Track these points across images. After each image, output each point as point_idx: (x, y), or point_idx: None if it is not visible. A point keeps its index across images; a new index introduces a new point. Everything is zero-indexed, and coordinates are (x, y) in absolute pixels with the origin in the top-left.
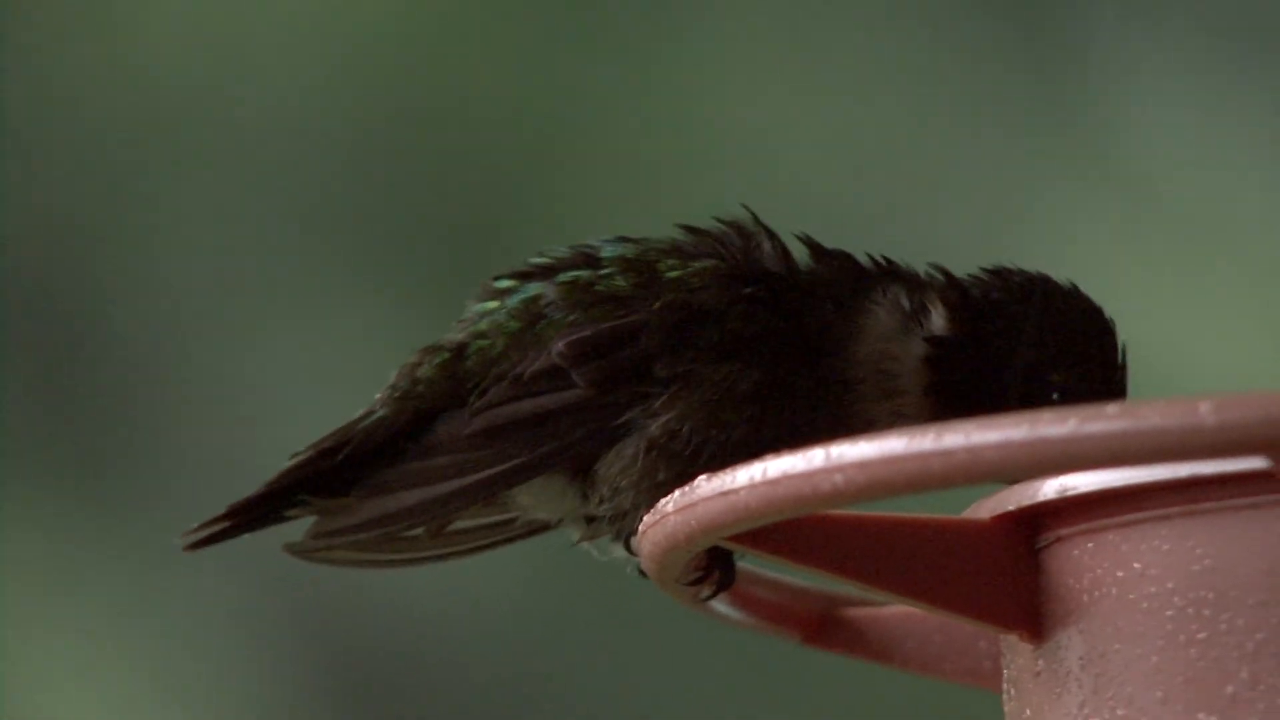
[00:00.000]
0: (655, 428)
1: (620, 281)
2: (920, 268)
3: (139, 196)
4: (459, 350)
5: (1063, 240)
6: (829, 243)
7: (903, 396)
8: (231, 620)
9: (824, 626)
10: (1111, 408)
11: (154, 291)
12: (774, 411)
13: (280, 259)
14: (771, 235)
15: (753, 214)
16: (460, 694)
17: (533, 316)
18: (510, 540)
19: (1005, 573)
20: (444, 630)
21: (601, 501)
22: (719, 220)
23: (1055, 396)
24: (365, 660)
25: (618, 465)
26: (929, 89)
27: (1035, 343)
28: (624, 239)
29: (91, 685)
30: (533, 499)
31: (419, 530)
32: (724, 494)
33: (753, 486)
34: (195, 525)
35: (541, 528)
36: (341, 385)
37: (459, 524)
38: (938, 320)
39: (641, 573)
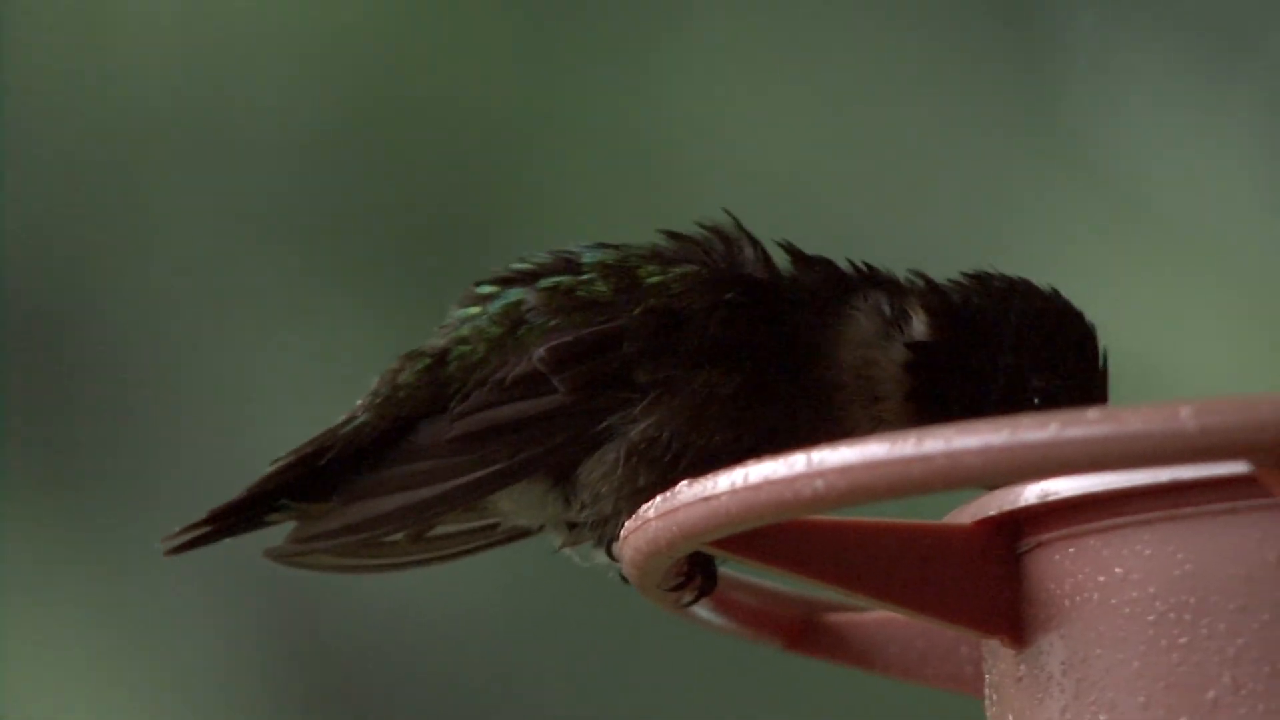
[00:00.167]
0: (636, 433)
1: (601, 287)
2: (902, 272)
3: (122, 205)
4: (440, 356)
5: (1047, 243)
6: (814, 246)
7: (884, 402)
8: (212, 625)
9: (806, 632)
10: (1092, 412)
11: (135, 297)
12: (755, 417)
13: (262, 267)
14: (753, 241)
15: (734, 219)
16: (441, 698)
17: (514, 322)
18: (491, 546)
19: (987, 578)
20: (425, 635)
21: (583, 507)
22: (700, 225)
23: (1036, 401)
24: (347, 665)
25: (599, 471)
26: (914, 93)
27: (1016, 347)
28: (604, 245)
29: (72, 689)
30: (514, 504)
31: (400, 535)
32: (705, 499)
33: (734, 492)
34: (177, 530)
35: (523, 533)
36: (323, 391)
37: (440, 529)
38: (918, 326)
39: (623, 578)
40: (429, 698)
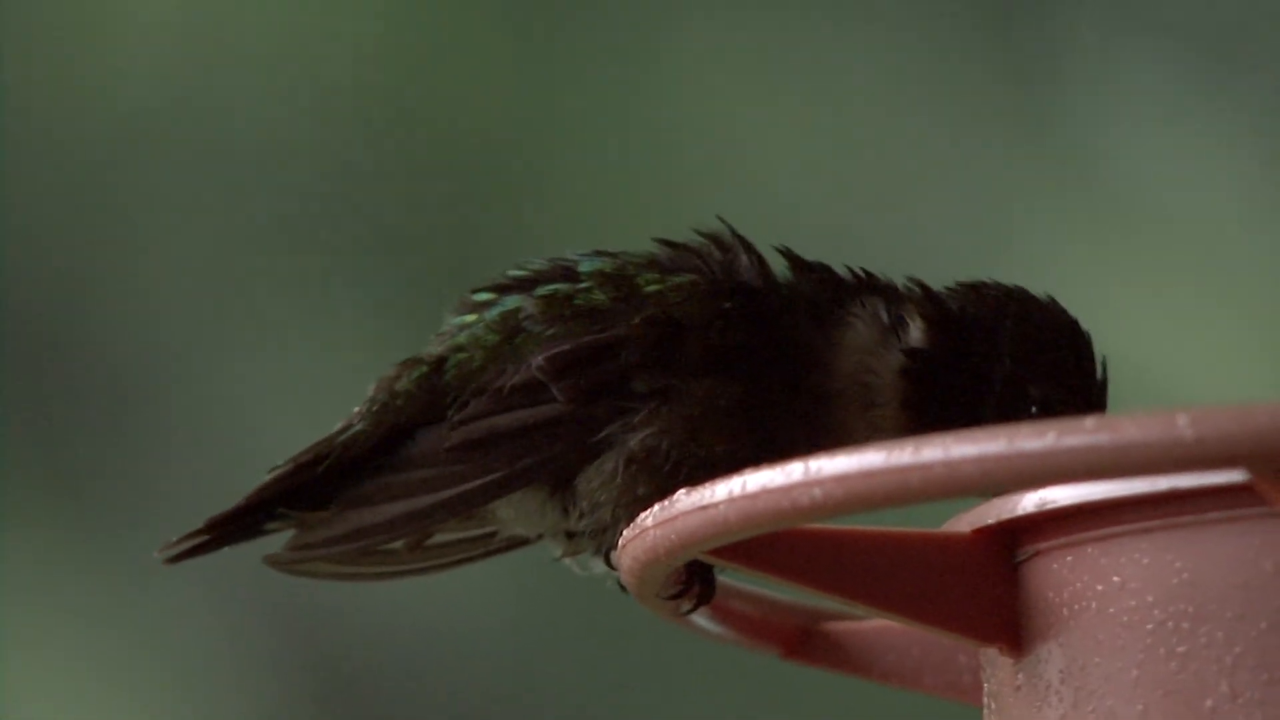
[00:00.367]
0: (635, 442)
1: (599, 295)
2: (900, 279)
3: (122, 210)
4: (438, 364)
5: (1046, 251)
6: (808, 253)
7: (881, 409)
8: (211, 633)
9: (804, 640)
10: (1089, 421)
11: (134, 302)
12: (753, 425)
13: (258, 274)
14: (749, 248)
15: (730, 227)
16: (443, 705)
17: (511, 330)
18: (489, 554)
19: (985, 586)
20: (426, 641)
21: (581, 516)
22: (697, 233)
23: (1033, 410)
24: (345, 673)
25: (597, 480)
26: (907, 101)
27: (1013, 356)
28: (601, 252)
29: (72, 691)
30: (512, 513)
31: (398, 543)
32: (703, 508)
33: (732, 501)
34: (175, 539)
35: (521, 542)
36: (320, 399)
37: (438, 538)
38: (916, 333)
39: (622, 587)
40: (430, 705)
